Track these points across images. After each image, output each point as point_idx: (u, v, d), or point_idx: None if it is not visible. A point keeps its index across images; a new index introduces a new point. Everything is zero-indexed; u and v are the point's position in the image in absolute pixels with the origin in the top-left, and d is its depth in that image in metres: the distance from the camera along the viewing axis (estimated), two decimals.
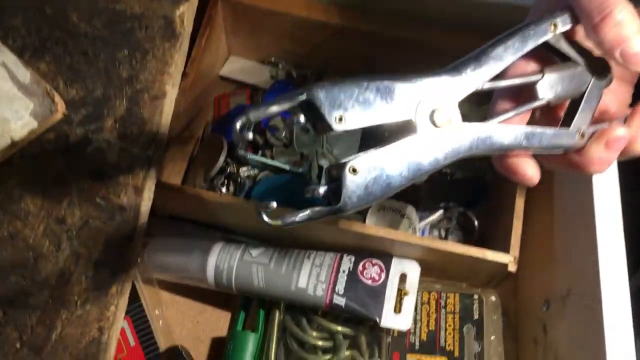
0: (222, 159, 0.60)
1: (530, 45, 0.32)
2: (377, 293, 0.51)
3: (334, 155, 0.59)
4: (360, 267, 0.52)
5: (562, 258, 0.50)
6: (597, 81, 0.34)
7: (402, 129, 0.31)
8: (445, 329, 0.53)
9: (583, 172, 0.34)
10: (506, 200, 0.54)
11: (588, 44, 0.34)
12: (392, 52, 0.58)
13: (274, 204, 0.29)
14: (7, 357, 0.43)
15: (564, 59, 0.34)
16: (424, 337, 0.53)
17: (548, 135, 0.33)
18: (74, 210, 0.45)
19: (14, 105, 0.44)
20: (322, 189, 0.30)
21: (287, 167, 0.59)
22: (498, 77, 0.33)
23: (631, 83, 0.36)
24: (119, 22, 0.48)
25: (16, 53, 0.46)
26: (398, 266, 0.52)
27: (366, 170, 0.30)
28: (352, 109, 0.29)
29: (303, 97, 0.29)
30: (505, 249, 0.49)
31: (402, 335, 0.53)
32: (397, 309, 0.51)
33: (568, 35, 0.33)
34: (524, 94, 0.34)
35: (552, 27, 0.32)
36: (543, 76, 0.33)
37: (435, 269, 0.53)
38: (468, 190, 0.61)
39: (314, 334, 0.53)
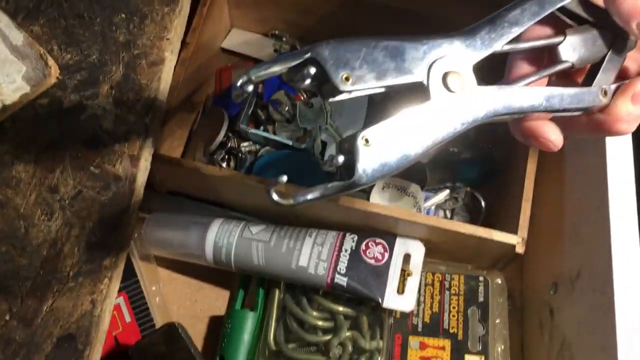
0: (222, 132, 0.59)
1: (548, 8, 0.31)
2: (379, 273, 0.50)
3: (338, 132, 0.58)
4: (363, 247, 0.51)
5: (572, 239, 0.49)
6: (620, 42, 0.33)
7: (414, 98, 0.30)
8: (449, 311, 0.52)
9: (610, 132, 0.33)
10: (515, 181, 0.53)
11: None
12: (401, 25, 0.57)
13: (284, 178, 0.28)
14: None
15: (582, 22, 0.33)
16: (427, 319, 0.52)
17: (569, 95, 0.32)
18: (67, 178, 0.43)
19: (6, 68, 0.43)
20: (340, 158, 0.28)
21: (289, 142, 0.58)
22: (514, 41, 0.31)
23: None
24: None
25: (9, 14, 0.44)
26: (402, 246, 0.51)
27: (380, 141, 0.28)
28: (359, 69, 0.28)
29: (307, 54, 0.28)
30: (513, 230, 0.48)
31: (405, 316, 0.52)
32: (400, 289, 0.50)
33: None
34: (542, 57, 0.33)
35: None
36: (565, 38, 0.32)
37: (440, 249, 0.52)
38: (475, 170, 0.59)
39: (315, 313, 0.52)
